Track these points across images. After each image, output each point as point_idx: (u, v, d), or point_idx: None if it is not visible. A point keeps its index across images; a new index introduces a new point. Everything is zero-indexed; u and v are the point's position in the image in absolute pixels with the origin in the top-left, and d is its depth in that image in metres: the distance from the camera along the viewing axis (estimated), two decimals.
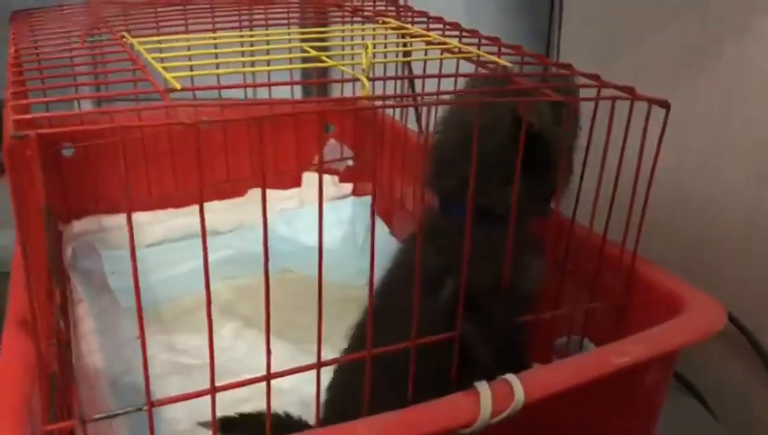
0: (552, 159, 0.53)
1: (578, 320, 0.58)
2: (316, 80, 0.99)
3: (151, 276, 0.90)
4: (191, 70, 0.50)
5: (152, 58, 0.51)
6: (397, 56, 0.72)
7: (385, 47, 0.70)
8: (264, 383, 0.46)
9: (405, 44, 0.74)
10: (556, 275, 0.59)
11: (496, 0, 1.26)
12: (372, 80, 0.49)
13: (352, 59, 0.61)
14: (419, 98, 0.53)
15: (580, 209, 0.58)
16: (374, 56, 0.53)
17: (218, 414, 0.65)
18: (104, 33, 0.68)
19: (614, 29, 0.93)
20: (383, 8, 0.84)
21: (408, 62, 0.66)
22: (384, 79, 0.57)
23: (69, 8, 0.85)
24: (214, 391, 0.44)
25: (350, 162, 1.06)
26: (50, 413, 0.43)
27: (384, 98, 0.50)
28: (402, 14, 0.81)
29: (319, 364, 0.47)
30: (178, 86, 0.44)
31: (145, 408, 0.42)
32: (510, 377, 0.43)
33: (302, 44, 0.57)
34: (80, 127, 0.52)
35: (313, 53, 0.55)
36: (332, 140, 1.06)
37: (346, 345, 0.57)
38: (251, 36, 0.71)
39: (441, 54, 0.64)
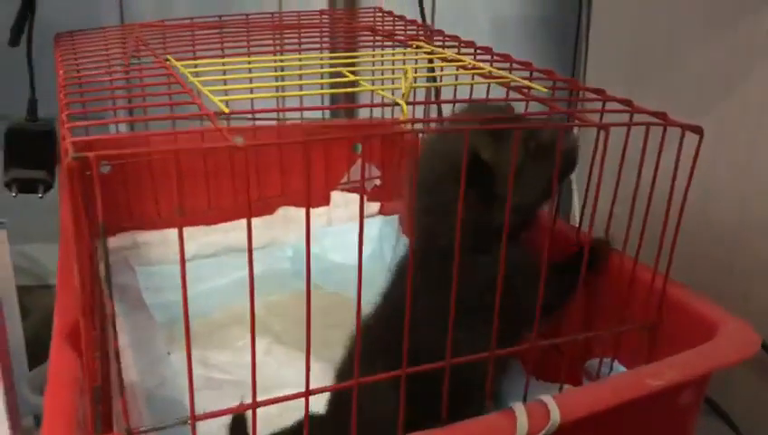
0: (497, 191, 0.55)
1: (609, 343, 0.59)
2: (348, 104, 1.01)
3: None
4: (226, 94, 0.51)
5: (198, 82, 0.53)
6: (428, 81, 0.74)
7: (416, 72, 0.72)
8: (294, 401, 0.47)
9: (436, 69, 0.76)
10: (587, 297, 0.59)
11: (523, 24, 1.27)
12: (410, 104, 0.51)
13: (391, 83, 0.62)
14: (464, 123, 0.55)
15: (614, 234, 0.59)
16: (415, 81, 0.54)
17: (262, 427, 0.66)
18: (146, 56, 0.70)
19: (642, 53, 0.94)
20: (414, 32, 0.86)
21: (439, 87, 0.67)
22: (425, 103, 0.58)
23: (109, 31, 0.87)
24: (255, 406, 0.45)
25: (378, 181, 1.07)
26: (96, 426, 0.44)
27: (423, 121, 0.51)
28: (434, 38, 0.82)
29: (356, 382, 0.47)
30: (226, 110, 0.45)
31: (189, 422, 0.43)
32: (546, 398, 0.43)
33: (341, 69, 0.59)
34: (139, 150, 0.53)
35: (352, 77, 0.56)
36: (360, 161, 1.08)
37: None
38: (283, 61, 0.73)
39: (473, 79, 0.65)
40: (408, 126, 0.47)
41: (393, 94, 0.52)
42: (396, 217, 1.03)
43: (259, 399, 0.44)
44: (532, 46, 1.27)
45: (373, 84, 0.53)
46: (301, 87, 0.59)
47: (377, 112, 0.98)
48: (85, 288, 0.44)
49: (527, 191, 0.56)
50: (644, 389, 0.45)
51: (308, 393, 0.47)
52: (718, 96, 0.81)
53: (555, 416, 0.42)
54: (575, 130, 0.56)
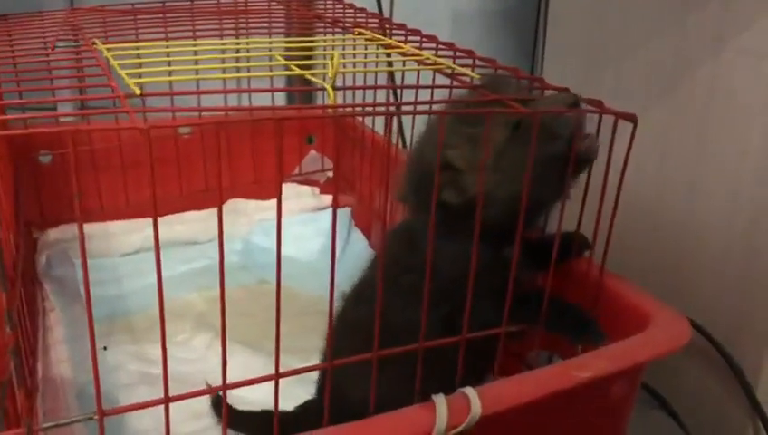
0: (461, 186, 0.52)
1: (547, 335, 0.58)
2: (288, 88, 0.99)
3: (125, 285, 0.89)
4: (170, 74, 0.49)
5: (117, 64, 0.51)
6: (365, 66, 0.72)
7: (362, 57, 0.70)
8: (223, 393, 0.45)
9: (378, 55, 0.74)
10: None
11: (483, 18, 1.27)
12: (338, 89, 0.49)
13: (324, 68, 0.61)
14: (389, 108, 0.53)
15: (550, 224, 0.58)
16: (344, 66, 0.53)
17: (190, 421, 0.65)
18: (78, 40, 0.67)
19: (597, 46, 0.94)
20: (363, 20, 0.85)
21: (387, 72, 0.66)
22: (353, 88, 0.57)
23: (48, 14, 0.85)
24: (167, 401, 0.43)
25: (330, 174, 1.06)
26: (0, 422, 0.42)
27: (354, 106, 0.50)
28: (384, 26, 0.81)
29: (277, 375, 0.46)
30: (138, 91, 0.44)
31: (95, 416, 0.41)
32: (468, 390, 0.42)
33: (274, 53, 0.57)
34: (29, 131, 0.51)
35: (283, 61, 0.55)
36: (313, 152, 1.06)
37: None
38: (230, 44, 0.71)
39: (417, 66, 0.64)
40: (330, 111, 0.45)
41: (324, 79, 0.50)
42: (348, 209, 1.02)
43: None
44: (491, 39, 1.27)
45: (303, 69, 0.51)
46: (245, 70, 0.58)
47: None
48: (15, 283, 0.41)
49: (507, 180, 0.51)
50: (570, 381, 0.44)
51: (224, 387, 0.45)
52: (666, 92, 0.80)
53: (476, 408, 0.41)
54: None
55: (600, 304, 0.55)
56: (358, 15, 0.87)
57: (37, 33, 0.72)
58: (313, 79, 0.50)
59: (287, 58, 0.56)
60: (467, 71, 0.59)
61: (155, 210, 0.40)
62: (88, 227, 0.92)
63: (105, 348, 0.76)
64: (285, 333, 0.75)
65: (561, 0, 1.06)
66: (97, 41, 0.60)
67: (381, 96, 0.96)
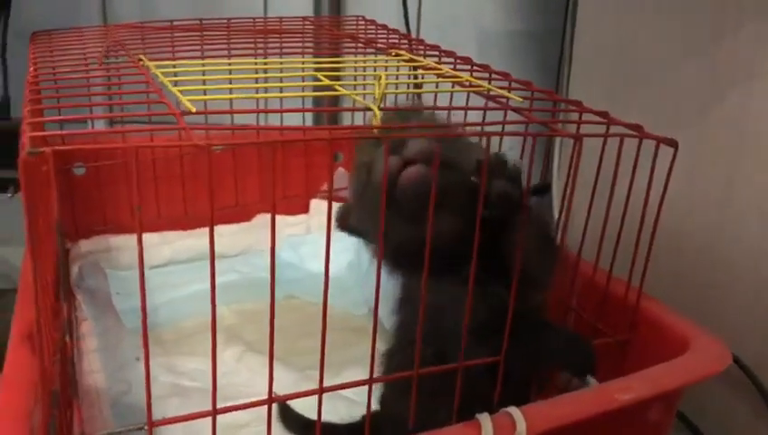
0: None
1: None
2: (327, 108, 1.00)
3: (155, 298, 0.90)
4: (204, 94, 0.50)
5: (168, 81, 0.52)
6: (408, 88, 0.73)
7: (396, 78, 0.71)
8: (266, 408, 0.46)
9: (416, 77, 0.75)
10: (560, 310, 0.59)
11: (508, 38, 1.28)
12: (383, 110, 0.50)
13: (364, 89, 0.62)
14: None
15: (588, 246, 0.58)
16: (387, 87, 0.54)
17: (226, 432, 0.65)
18: (121, 56, 0.69)
19: (623, 71, 0.94)
20: (396, 41, 0.86)
21: (419, 94, 0.67)
22: (398, 109, 0.57)
23: (88, 30, 0.87)
24: (215, 413, 0.43)
25: None
26: (51, 431, 0.43)
27: (396, 129, 0.51)
28: (414, 47, 0.82)
29: (321, 390, 0.46)
30: (193, 109, 0.45)
31: (146, 427, 0.41)
32: (512, 409, 0.43)
33: (316, 73, 0.58)
34: (93, 146, 0.52)
35: (327, 81, 0.56)
36: (341, 169, 1.07)
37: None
38: (265, 64, 0.73)
39: (452, 87, 0.65)
40: (377, 132, 0.46)
41: (365, 99, 0.51)
42: None
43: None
44: (516, 60, 1.28)
45: (355, 90, 0.52)
46: (281, 90, 0.59)
47: (359, 119, 0.97)
48: (42, 290, 0.42)
49: (365, 215, 0.51)
50: (612, 403, 0.44)
51: (270, 401, 0.45)
52: (696, 115, 0.81)
53: (521, 427, 0.42)
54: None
55: (637, 327, 0.55)
56: (391, 36, 0.89)
57: (81, 48, 0.74)
58: (358, 99, 0.51)
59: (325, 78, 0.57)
60: (504, 92, 0.60)
61: (211, 221, 0.41)
62: (120, 239, 0.94)
63: (138, 359, 0.77)
64: (315, 347, 0.76)
65: (588, 21, 1.06)
66: (143, 57, 0.61)
67: None
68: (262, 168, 0.98)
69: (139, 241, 0.39)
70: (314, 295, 0.93)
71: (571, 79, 1.12)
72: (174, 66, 0.63)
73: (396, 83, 0.69)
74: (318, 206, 1.05)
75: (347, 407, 0.68)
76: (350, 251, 1.01)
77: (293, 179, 1.01)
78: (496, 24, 1.28)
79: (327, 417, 0.65)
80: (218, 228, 0.98)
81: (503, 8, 1.27)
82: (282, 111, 0.54)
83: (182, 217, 0.94)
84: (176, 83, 0.52)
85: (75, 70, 0.61)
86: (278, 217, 1.02)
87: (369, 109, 0.49)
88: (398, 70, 0.71)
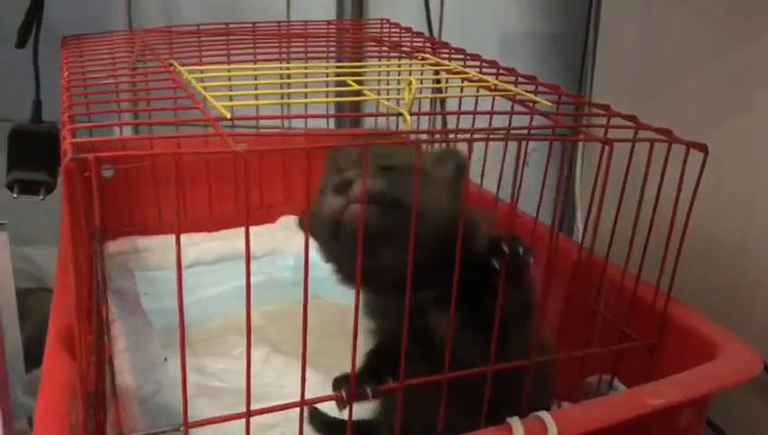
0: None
1: (608, 360, 0.58)
2: (358, 113, 1.01)
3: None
4: (230, 99, 0.51)
5: (201, 87, 0.52)
6: (432, 92, 0.74)
7: (421, 83, 0.71)
8: (294, 410, 0.46)
9: (440, 81, 0.76)
10: (587, 314, 0.59)
11: (530, 40, 1.27)
12: (414, 114, 0.51)
13: (390, 93, 0.62)
14: (456, 135, 0.54)
15: (615, 250, 0.58)
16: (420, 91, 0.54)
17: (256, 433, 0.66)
18: (152, 61, 0.70)
19: (647, 73, 0.94)
20: (420, 44, 0.86)
21: (443, 99, 0.67)
22: (429, 114, 0.58)
23: (117, 35, 0.88)
24: (249, 414, 0.44)
25: None
26: (88, 431, 0.44)
27: (427, 132, 0.51)
28: (439, 50, 0.82)
29: (351, 397, 0.47)
30: (228, 115, 0.45)
31: (182, 428, 0.42)
32: (543, 414, 0.43)
33: (346, 78, 0.59)
34: (135, 152, 0.53)
35: (356, 86, 0.56)
36: None
37: None
38: (289, 68, 0.73)
39: (477, 92, 0.65)
40: (411, 136, 0.46)
41: (398, 104, 0.52)
42: None
43: (255, 407, 0.44)
44: (538, 62, 1.27)
45: (378, 94, 0.53)
46: (306, 95, 0.59)
47: (381, 123, 0.98)
48: (81, 292, 0.43)
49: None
50: (643, 407, 0.44)
51: (303, 403, 0.46)
52: (722, 117, 0.80)
53: (552, 432, 0.42)
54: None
55: (665, 333, 0.55)
56: (415, 39, 0.89)
57: (110, 53, 0.75)
58: (390, 105, 0.51)
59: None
60: (532, 96, 0.60)
61: (247, 222, 0.41)
62: (146, 241, 0.95)
63: (166, 359, 0.78)
64: (340, 349, 0.77)
65: (611, 22, 1.06)
66: (174, 62, 0.62)
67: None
68: (286, 170, 0.98)
69: (178, 243, 0.40)
70: (338, 296, 0.94)
71: (594, 82, 1.12)
72: (201, 72, 0.64)
73: (423, 87, 0.69)
74: None
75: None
76: None
77: (317, 182, 1.02)
78: (518, 25, 1.27)
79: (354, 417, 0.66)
80: (242, 230, 0.99)
81: (524, 10, 1.27)
82: (326, 117, 0.55)
83: (207, 218, 0.95)
84: (208, 90, 0.53)
85: (109, 75, 0.62)
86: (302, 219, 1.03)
87: (401, 114, 0.49)
88: (422, 74, 0.71)
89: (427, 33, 1.16)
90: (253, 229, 1.06)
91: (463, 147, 0.54)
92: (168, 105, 0.49)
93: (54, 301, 0.54)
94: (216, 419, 0.44)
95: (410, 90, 0.50)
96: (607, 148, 0.51)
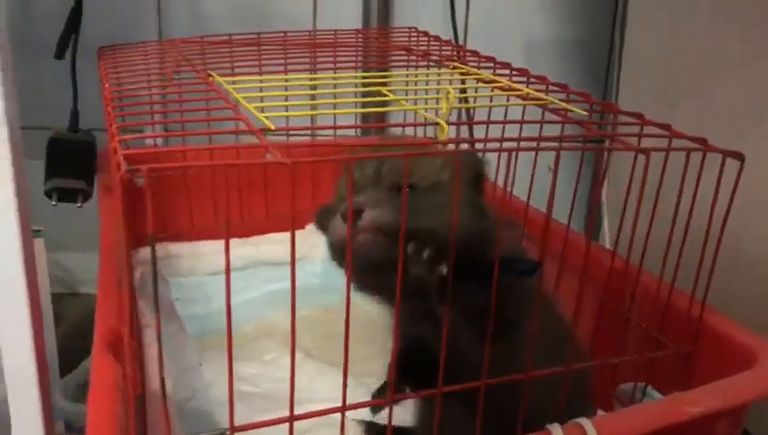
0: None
1: (642, 368, 0.58)
2: (398, 123, 1.01)
3: (212, 304, 0.93)
4: (262, 111, 0.52)
5: (242, 98, 0.54)
6: (467, 101, 0.74)
7: (458, 92, 0.72)
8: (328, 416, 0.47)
9: (472, 90, 0.76)
10: (621, 321, 0.59)
11: (555, 46, 1.28)
12: (451, 124, 0.51)
13: (427, 103, 0.63)
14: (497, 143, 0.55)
15: (650, 259, 0.58)
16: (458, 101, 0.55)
17: None
18: (188, 72, 0.71)
19: (675, 79, 0.94)
20: (449, 53, 0.87)
21: (475, 108, 0.67)
22: (467, 124, 0.59)
23: (150, 45, 0.89)
24: (292, 419, 0.45)
25: None
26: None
27: (465, 142, 0.52)
28: (469, 58, 0.83)
29: (391, 400, 0.48)
30: (272, 126, 0.46)
31: (227, 431, 0.43)
32: (583, 420, 0.43)
33: (380, 88, 0.60)
34: (185, 163, 0.55)
35: (392, 96, 0.57)
36: None
37: None
38: (320, 78, 0.74)
39: (507, 101, 0.66)
40: (451, 146, 0.47)
41: (437, 114, 0.53)
42: None
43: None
44: (563, 68, 1.28)
45: (416, 104, 0.53)
46: (335, 106, 0.60)
47: (409, 132, 0.99)
48: (132, 300, 0.44)
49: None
50: (681, 415, 0.45)
51: (344, 408, 0.47)
52: (752, 126, 0.80)
53: None
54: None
55: (701, 341, 0.55)
56: (444, 48, 0.90)
57: (145, 63, 0.77)
58: (429, 115, 0.52)
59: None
60: (565, 105, 0.61)
61: (292, 227, 0.42)
62: (178, 247, 0.97)
63: (201, 364, 0.79)
64: (371, 355, 0.77)
65: (638, 26, 1.06)
66: (213, 73, 0.63)
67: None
68: (315, 176, 0.99)
69: (227, 251, 0.41)
70: (367, 302, 0.94)
71: (620, 89, 1.12)
72: (234, 82, 0.65)
73: (458, 97, 0.70)
74: None
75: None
76: None
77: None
78: (543, 32, 1.28)
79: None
80: (273, 236, 1.00)
81: (549, 16, 1.27)
82: (363, 127, 0.55)
83: (239, 225, 0.96)
84: (247, 99, 0.54)
85: (148, 86, 0.63)
86: None
87: (437, 123, 0.50)
88: (450, 83, 0.71)
89: (452, 41, 1.17)
90: (281, 236, 1.08)
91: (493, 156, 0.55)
92: (217, 116, 0.51)
93: (99, 307, 0.55)
94: (260, 423, 0.45)
95: (448, 99, 0.50)
96: (643, 157, 0.52)
